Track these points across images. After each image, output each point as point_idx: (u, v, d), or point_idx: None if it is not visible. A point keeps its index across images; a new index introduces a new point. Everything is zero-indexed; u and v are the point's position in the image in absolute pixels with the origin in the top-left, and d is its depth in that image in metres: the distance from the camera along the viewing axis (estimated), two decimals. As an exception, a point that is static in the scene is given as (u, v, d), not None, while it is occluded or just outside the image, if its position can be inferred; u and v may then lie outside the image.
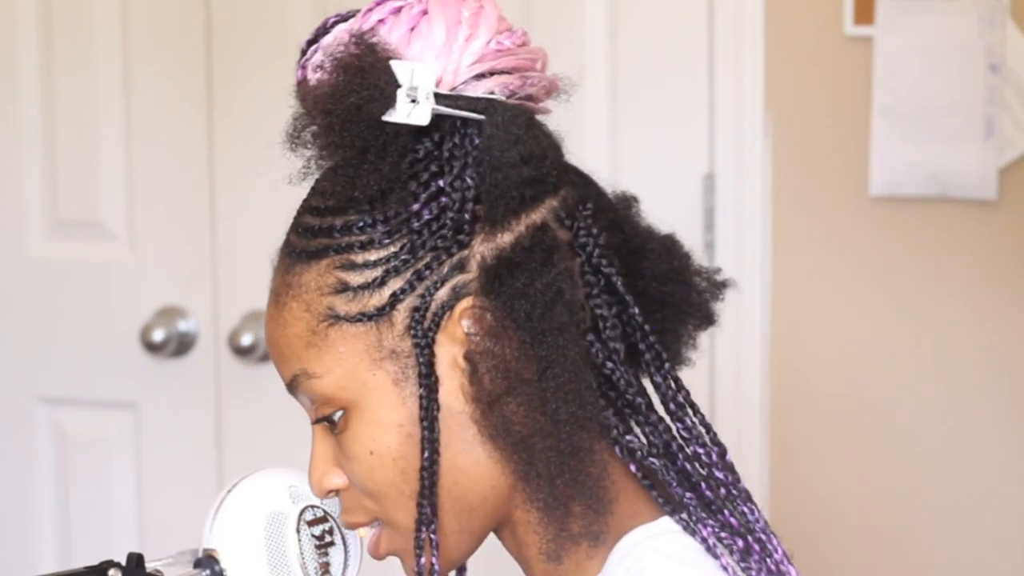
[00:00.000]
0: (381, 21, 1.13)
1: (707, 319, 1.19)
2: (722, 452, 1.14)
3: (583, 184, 1.16)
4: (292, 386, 1.16)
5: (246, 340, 2.64)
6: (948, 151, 2.39)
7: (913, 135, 2.40)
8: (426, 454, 1.11)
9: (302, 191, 1.19)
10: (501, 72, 1.13)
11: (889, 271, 2.45)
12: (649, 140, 2.51)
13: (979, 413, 2.44)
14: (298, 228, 1.15)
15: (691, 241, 1.21)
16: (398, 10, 1.13)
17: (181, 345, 2.70)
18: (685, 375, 1.20)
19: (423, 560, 1.12)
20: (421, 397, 1.11)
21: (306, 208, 1.16)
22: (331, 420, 1.15)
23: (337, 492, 1.18)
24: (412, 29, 1.12)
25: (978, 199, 2.39)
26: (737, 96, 2.46)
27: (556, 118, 1.21)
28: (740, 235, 2.48)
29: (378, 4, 1.14)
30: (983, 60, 2.36)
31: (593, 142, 2.48)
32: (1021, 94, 2.36)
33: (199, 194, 2.67)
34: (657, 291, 1.16)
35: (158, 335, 2.68)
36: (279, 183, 1.18)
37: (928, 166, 2.40)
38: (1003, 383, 2.42)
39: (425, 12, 1.13)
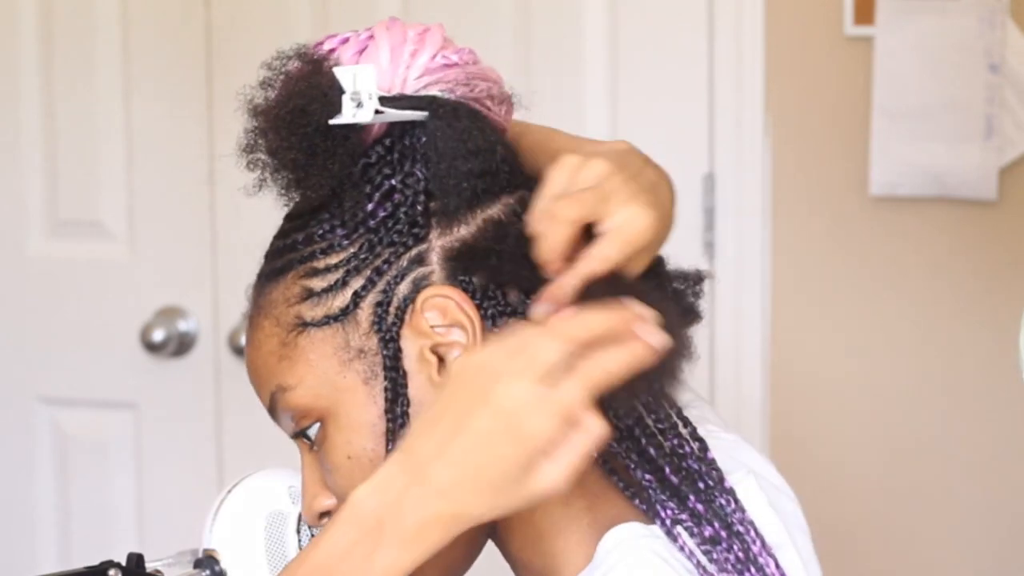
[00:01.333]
0: (332, 51, 1.15)
1: (691, 316, 1.19)
2: (703, 447, 1.14)
3: None
4: (272, 408, 1.17)
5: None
6: (948, 151, 2.39)
7: (913, 135, 2.40)
8: (390, 447, 1.11)
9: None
10: (447, 82, 1.16)
11: (889, 271, 2.45)
12: (649, 140, 2.47)
13: (980, 413, 2.44)
14: (267, 254, 1.18)
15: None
16: (346, 39, 1.16)
17: (181, 345, 2.70)
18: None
19: None
20: (386, 390, 1.11)
21: (274, 237, 1.19)
22: (307, 436, 1.15)
23: (330, 514, 1.17)
24: (360, 52, 1.15)
25: (978, 199, 2.39)
26: (737, 96, 2.46)
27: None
28: (740, 235, 2.48)
29: (328, 37, 1.17)
30: (983, 60, 2.36)
31: (593, 142, 2.48)
32: (1021, 94, 2.36)
33: (199, 194, 2.67)
34: None
35: (158, 335, 2.68)
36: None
37: (928, 166, 2.40)
38: (1003, 383, 2.42)
39: (372, 36, 1.16)
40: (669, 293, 1.18)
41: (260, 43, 2.59)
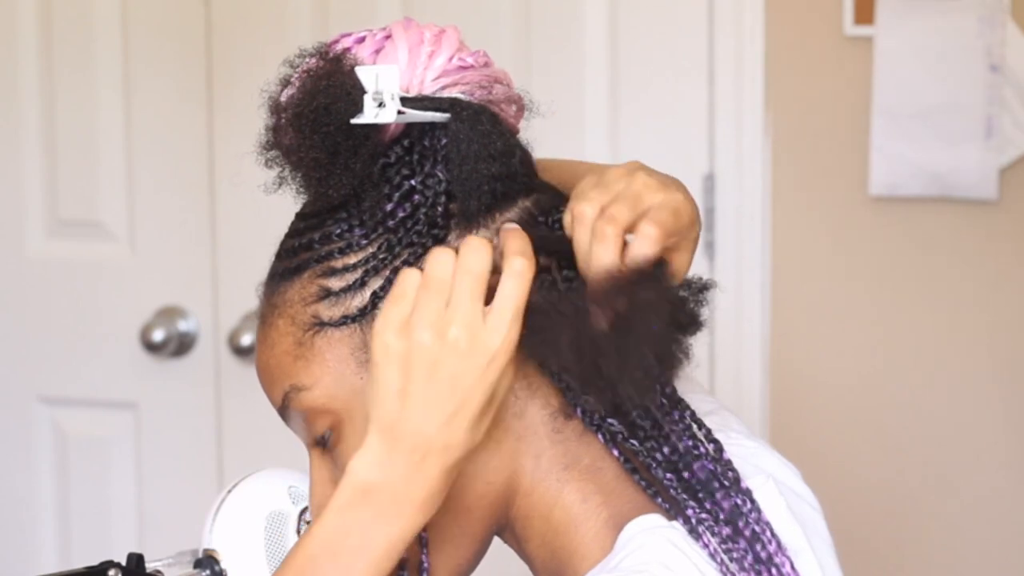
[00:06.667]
0: (347, 49, 1.15)
1: (693, 324, 1.20)
2: (718, 448, 1.15)
3: (556, 195, 1.18)
4: (284, 407, 1.16)
5: (246, 340, 2.64)
6: (948, 151, 2.39)
7: (913, 135, 2.40)
8: None
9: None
10: (465, 84, 1.16)
11: (889, 271, 2.45)
12: (649, 140, 2.51)
13: (979, 412, 2.44)
14: (279, 253, 1.18)
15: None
16: (362, 39, 1.16)
17: (181, 345, 2.70)
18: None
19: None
20: None
21: (285, 236, 1.18)
22: (324, 443, 1.15)
23: None
24: (377, 52, 1.15)
25: (978, 199, 2.39)
26: (737, 96, 2.46)
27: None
28: (740, 235, 2.48)
29: (342, 36, 1.17)
30: (983, 60, 2.36)
31: (593, 142, 2.48)
32: (1021, 94, 2.36)
33: (199, 194, 2.67)
34: None
35: (158, 335, 2.68)
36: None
37: (928, 166, 2.40)
38: (1003, 382, 2.42)
39: (388, 36, 1.15)
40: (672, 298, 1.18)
41: (260, 43, 2.61)
